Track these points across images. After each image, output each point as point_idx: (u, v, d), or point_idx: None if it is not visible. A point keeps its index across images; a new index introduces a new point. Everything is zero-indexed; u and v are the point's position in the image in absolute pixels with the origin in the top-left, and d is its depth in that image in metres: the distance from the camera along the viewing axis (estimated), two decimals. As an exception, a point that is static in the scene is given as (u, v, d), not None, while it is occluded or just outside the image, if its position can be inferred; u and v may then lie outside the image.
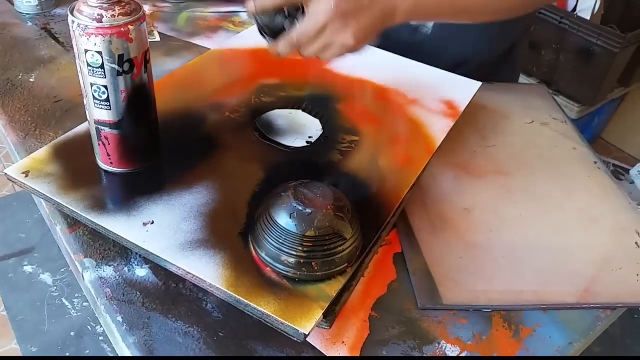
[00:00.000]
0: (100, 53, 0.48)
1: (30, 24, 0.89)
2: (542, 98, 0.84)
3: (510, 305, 0.53)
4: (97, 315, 0.52)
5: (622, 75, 1.79)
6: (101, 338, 1.37)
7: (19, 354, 1.33)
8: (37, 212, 1.68)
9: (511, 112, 0.78)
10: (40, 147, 0.60)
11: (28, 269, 1.53)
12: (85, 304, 1.44)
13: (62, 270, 1.53)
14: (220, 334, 0.48)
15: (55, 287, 1.48)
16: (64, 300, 1.46)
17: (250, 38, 0.82)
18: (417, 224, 0.59)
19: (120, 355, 0.50)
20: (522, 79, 1.87)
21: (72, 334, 1.38)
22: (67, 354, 1.33)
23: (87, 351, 1.34)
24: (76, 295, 1.47)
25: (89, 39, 0.47)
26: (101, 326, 1.39)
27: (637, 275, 0.56)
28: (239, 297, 0.46)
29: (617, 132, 2.09)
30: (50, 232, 1.64)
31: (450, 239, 0.58)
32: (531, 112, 0.79)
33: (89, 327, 1.39)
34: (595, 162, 0.71)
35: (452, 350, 0.49)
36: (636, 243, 0.60)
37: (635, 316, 1.49)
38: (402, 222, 0.59)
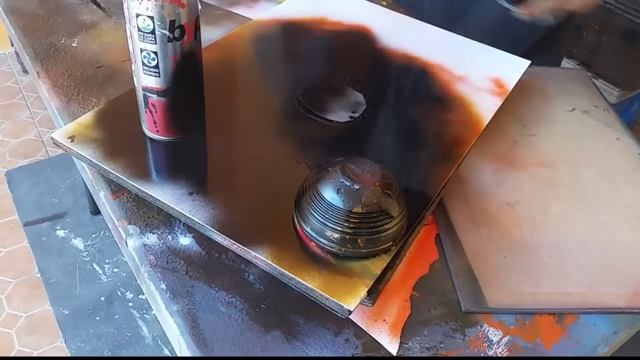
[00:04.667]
0: (151, 18, 0.47)
1: (72, -12, 0.88)
2: (582, 84, 0.80)
3: (557, 308, 0.51)
4: (139, 282, 0.53)
5: (667, 60, 1.72)
6: (130, 304, 1.40)
7: (52, 316, 1.37)
8: (70, 178, 1.71)
9: (551, 99, 0.75)
10: (83, 113, 0.60)
11: (60, 233, 1.56)
12: (115, 269, 1.47)
13: (93, 236, 1.56)
14: (262, 305, 0.48)
15: (86, 252, 1.52)
16: (95, 266, 1.49)
17: (293, 8, 0.80)
18: (458, 220, 0.57)
19: (161, 322, 0.50)
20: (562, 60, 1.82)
21: (102, 298, 1.41)
22: (97, 318, 1.37)
23: (117, 316, 1.37)
24: (107, 261, 1.50)
25: (141, 3, 0.46)
26: (131, 292, 1.42)
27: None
28: (283, 270, 0.45)
29: (657, 119, 2.03)
30: (82, 198, 1.67)
31: (493, 236, 0.56)
32: (572, 98, 0.76)
33: (118, 292, 1.42)
34: None
35: (494, 334, 0.49)
36: (686, 240, 0.58)
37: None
38: (442, 219, 0.57)
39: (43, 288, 1.43)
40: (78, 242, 1.54)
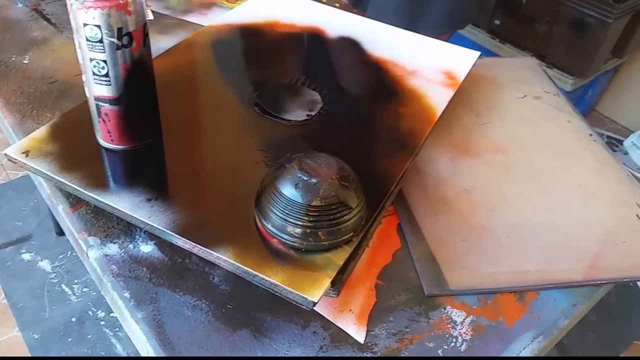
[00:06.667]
0: (98, 26, 0.47)
1: (20, 5, 0.87)
2: (532, 71, 0.83)
3: (517, 286, 0.53)
4: (102, 294, 0.52)
5: (616, 46, 1.79)
6: (102, 323, 1.37)
7: (21, 342, 1.33)
8: (33, 200, 1.67)
9: (502, 87, 0.78)
10: (38, 128, 0.59)
11: (26, 256, 1.53)
12: (85, 289, 1.44)
13: (61, 256, 1.52)
14: (229, 305, 0.48)
15: (54, 274, 1.48)
16: (64, 287, 1.45)
17: (245, 13, 0.81)
18: (417, 208, 0.58)
19: (127, 331, 0.50)
20: (516, 52, 1.87)
21: (74, 319, 1.38)
22: (69, 340, 1.34)
23: (90, 336, 1.34)
24: (75, 281, 1.46)
25: (87, 12, 0.46)
26: (102, 311, 1.39)
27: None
28: (246, 268, 0.46)
29: (611, 104, 2.10)
30: (47, 220, 1.63)
31: (452, 221, 0.57)
32: (522, 85, 0.78)
33: (89, 312, 1.40)
34: (591, 135, 0.71)
35: (458, 315, 0.50)
36: (637, 215, 0.60)
37: (631, 284, 1.51)
38: (402, 208, 0.58)
39: (10, 314, 1.39)
40: (45, 264, 1.51)
